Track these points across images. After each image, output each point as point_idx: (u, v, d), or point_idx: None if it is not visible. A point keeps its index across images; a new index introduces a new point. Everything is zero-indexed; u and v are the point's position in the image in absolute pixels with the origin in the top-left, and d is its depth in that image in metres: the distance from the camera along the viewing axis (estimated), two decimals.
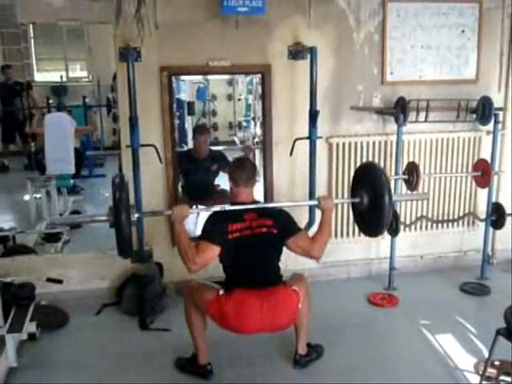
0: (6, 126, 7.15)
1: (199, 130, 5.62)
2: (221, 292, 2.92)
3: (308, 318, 3.20)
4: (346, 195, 4.33)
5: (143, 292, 3.83)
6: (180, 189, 4.64)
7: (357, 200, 2.96)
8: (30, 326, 3.38)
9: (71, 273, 4.02)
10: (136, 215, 2.77)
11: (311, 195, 3.98)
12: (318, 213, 3.96)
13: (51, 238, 4.82)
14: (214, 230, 2.92)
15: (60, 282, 3.69)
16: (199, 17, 3.85)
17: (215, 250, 2.88)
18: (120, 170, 4.17)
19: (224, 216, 2.94)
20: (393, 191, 2.99)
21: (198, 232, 3.11)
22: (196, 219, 4.26)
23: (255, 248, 2.94)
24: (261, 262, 2.97)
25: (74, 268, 4.08)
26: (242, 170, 3.07)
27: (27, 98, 6.71)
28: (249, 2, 3.58)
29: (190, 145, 5.99)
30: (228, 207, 2.99)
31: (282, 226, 3.00)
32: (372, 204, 2.87)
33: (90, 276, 4.11)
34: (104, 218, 2.60)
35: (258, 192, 3.40)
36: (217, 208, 2.99)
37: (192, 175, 5.02)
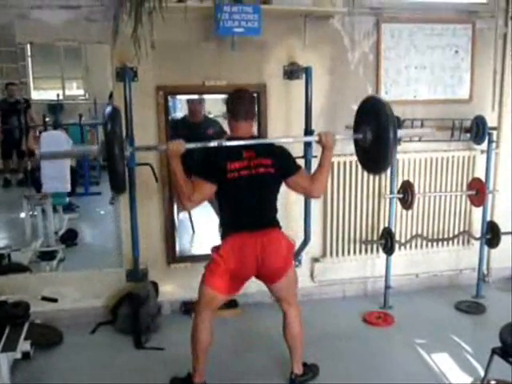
0: (5, 143, 7.17)
1: (192, 100, 5.18)
2: (220, 249, 2.92)
3: (301, 336, 3.19)
4: (341, 213, 4.36)
5: (138, 311, 3.81)
6: None
7: (360, 136, 2.92)
8: (24, 345, 3.35)
9: (66, 291, 4.01)
10: (130, 149, 2.70)
11: (306, 217, 4.01)
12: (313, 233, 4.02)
13: (46, 256, 4.80)
14: (211, 167, 2.86)
15: (55, 300, 3.68)
16: (195, 37, 3.89)
17: (212, 188, 2.85)
18: None
19: (222, 153, 2.88)
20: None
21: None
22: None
23: (252, 189, 2.90)
24: (258, 203, 2.95)
25: (69, 286, 4.07)
26: (241, 102, 2.98)
27: (25, 116, 6.73)
28: (244, 22, 3.61)
29: None
30: (225, 142, 2.92)
31: (281, 165, 2.95)
32: (376, 139, 2.82)
33: (84, 294, 4.09)
34: (96, 150, 2.52)
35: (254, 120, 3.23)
36: (214, 143, 2.89)
37: (188, 140, 4.89)
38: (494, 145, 4.36)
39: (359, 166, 4.24)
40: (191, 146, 2.85)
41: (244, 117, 2.96)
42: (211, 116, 5.26)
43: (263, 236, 2.90)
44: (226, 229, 2.98)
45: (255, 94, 4.16)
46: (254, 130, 3.11)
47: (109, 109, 2.54)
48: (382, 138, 2.79)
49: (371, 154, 2.93)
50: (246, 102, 2.99)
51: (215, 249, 2.97)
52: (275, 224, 3.02)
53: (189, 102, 5.03)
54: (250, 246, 2.87)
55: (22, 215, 5.28)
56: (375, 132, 2.84)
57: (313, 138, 3.15)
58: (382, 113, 2.79)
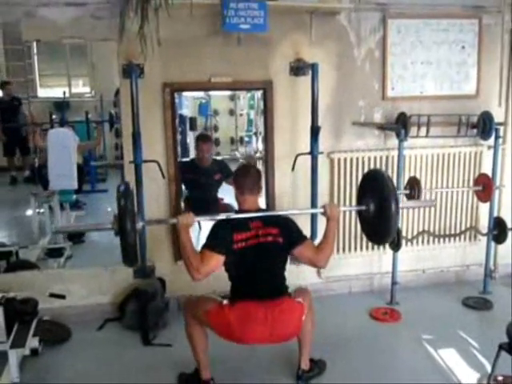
0: (7, 141, 7.21)
1: (202, 138, 5.43)
2: (225, 302, 2.91)
3: (311, 334, 3.20)
4: (347, 212, 4.35)
5: (145, 307, 3.83)
6: (182, 203, 4.64)
7: (363, 207, 2.94)
8: (33, 342, 3.39)
9: (74, 288, 4.03)
10: (141, 223, 2.75)
11: (313, 214, 4.00)
12: (320, 225, 4.01)
13: (54, 253, 4.83)
14: (218, 239, 2.89)
15: (63, 297, 3.71)
16: (202, 34, 3.89)
17: (220, 259, 2.86)
18: None
19: (229, 224, 2.92)
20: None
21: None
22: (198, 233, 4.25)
23: (261, 258, 2.92)
24: (266, 272, 2.96)
25: (77, 283, 4.09)
26: (248, 176, 3.04)
27: (17, 114, 6.82)
28: (250, 19, 3.62)
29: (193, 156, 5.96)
30: (233, 215, 2.98)
31: (287, 235, 2.98)
32: (378, 211, 2.84)
33: (92, 291, 4.11)
34: (109, 225, 2.58)
35: (260, 194, 3.37)
36: (222, 216, 2.95)
37: (195, 184, 4.99)
38: (500, 140, 4.35)
39: (365, 163, 4.30)
40: (200, 218, 2.98)
41: (250, 191, 3.02)
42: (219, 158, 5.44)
43: (274, 307, 2.89)
44: (235, 295, 2.97)
45: (261, 91, 4.19)
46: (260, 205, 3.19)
47: (122, 186, 2.62)
48: (384, 210, 2.80)
49: (374, 225, 2.94)
50: (252, 177, 3.06)
51: (224, 302, 2.94)
52: (285, 292, 3.03)
53: (198, 144, 5.13)
54: (260, 316, 2.85)
55: (30, 212, 5.31)
56: (378, 204, 2.86)
57: (318, 210, 3.20)
58: (384, 185, 2.82)
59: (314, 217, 3.98)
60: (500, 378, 3.07)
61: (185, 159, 5.69)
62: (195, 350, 3.10)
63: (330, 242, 3.03)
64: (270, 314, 2.85)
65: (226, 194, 4.94)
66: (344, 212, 4.31)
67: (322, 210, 3.03)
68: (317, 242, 3.23)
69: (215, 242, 2.89)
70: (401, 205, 3.02)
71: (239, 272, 2.96)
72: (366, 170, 4.31)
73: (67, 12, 3.73)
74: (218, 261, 2.86)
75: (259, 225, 2.94)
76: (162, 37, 3.60)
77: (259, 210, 3.09)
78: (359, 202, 3.03)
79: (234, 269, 2.96)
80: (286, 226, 3.03)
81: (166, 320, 3.97)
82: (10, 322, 3.30)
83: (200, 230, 5.27)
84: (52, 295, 3.66)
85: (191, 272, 2.81)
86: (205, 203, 5.01)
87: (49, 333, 3.68)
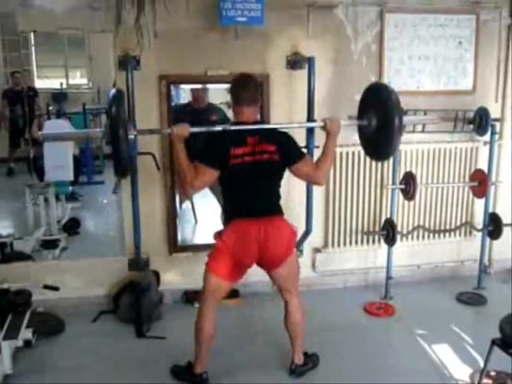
0: (13, 132, 7.19)
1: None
2: (222, 234, 2.92)
3: (303, 328, 3.20)
4: (343, 204, 4.36)
5: (140, 300, 3.83)
6: None
7: (364, 123, 2.90)
8: (26, 333, 3.37)
9: (68, 280, 4.03)
10: (134, 132, 2.68)
11: (308, 209, 4.02)
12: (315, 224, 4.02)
13: (49, 244, 4.82)
14: (214, 153, 2.85)
15: (56, 289, 3.70)
16: (198, 26, 3.87)
17: (214, 174, 2.84)
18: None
19: (225, 138, 2.87)
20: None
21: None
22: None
23: (256, 176, 2.90)
24: (261, 190, 2.95)
25: (71, 275, 4.09)
26: (246, 86, 2.95)
27: (32, 104, 6.74)
28: (247, 12, 3.61)
29: None
30: (230, 127, 2.92)
31: (285, 152, 2.92)
32: (381, 126, 2.80)
33: (86, 283, 4.11)
34: (100, 133, 2.51)
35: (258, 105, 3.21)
36: (218, 128, 2.89)
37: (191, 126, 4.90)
38: (496, 136, 4.35)
39: (362, 157, 4.29)
40: (196, 130, 2.86)
41: (248, 102, 2.93)
42: (216, 103, 5.25)
43: (266, 223, 2.90)
44: (229, 214, 2.98)
45: None
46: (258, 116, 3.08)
47: (113, 91, 2.53)
48: (387, 124, 2.77)
49: (375, 140, 2.92)
50: (250, 87, 2.96)
51: (218, 234, 2.97)
52: (278, 211, 3.02)
53: (193, 88, 5.01)
54: (253, 232, 2.87)
55: (25, 204, 5.30)
56: (381, 118, 2.82)
57: (318, 124, 3.14)
58: (388, 99, 2.78)
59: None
60: (493, 374, 3.09)
61: (180, 103, 5.57)
62: (200, 345, 3.07)
63: (329, 157, 2.99)
64: (262, 229, 2.86)
65: None
66: (339, 205, 4.32)
67: (322, 124, 2.98)
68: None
69: (210, 156, 2.85)
70: (404, 119, 2.91)
71: (233, 188, 2.94)
72: (362, 164, 4.33)
73: (64, 2, 3.72)
74: (212, 175, 2.84)
75: (256, 140, 2.87)
76: (158, 29, 3.61)
77: (257, 122, 3.03)
78: (360, 116, 2.99)
79: (228, 185, 2.94)
80: (284, 142, 2.96)
81: (160, 313, 3.98)
82: (4, 314, 3.31)
83: (196, 223, 5.29)
84: (46, 287, 3.65)
85: (185, 185, 2.81)
86: None
87: (42, 324, 3.66)
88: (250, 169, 2.87)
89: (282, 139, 2.97)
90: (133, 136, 2.67)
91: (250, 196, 2.93)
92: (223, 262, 2.95)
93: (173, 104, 4.18)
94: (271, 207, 3.00)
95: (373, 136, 2.93)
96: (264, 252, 2.92)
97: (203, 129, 2.94)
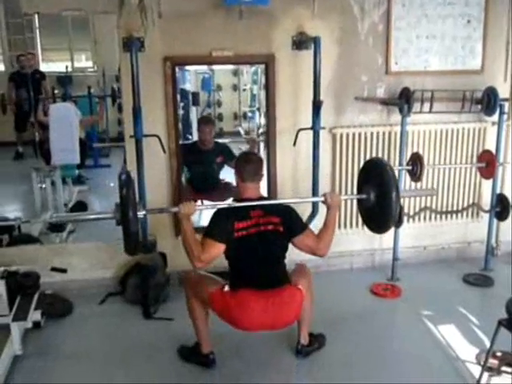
0: (19, 116, 7.18)
1: (204, 120, 5.63)
2: (226, 288, 2.91)
3: (310, 311, 3.21)
4: (349, 187, 4.34)
5: (147, 281, 3.86)
6: (184, 181, 4.66)
7: (364, 196, 2.92)
8: (35, 315, 3.42)
9: (76, 262, 4.06)
10: (143, 212, 2.73)
11: (315, 187, 4.00)
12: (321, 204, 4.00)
13: (56, 227, 4.84)
14: (219, 227, 2.89)
15: (64, 271, 3.73)
16: (203, 6, 3.85)
17: (220, 247, 2.87)
18: (125, 160, 4.20)
19: (230, 213, 2.92)
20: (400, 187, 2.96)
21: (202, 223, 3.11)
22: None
23: (261, 246, 2.93)
24: (267, 261, 2.96)
25: (79, 257, 4.11)
26: (249, 164, 3.03)
27: (39, 87, 6.72)
28: None
29: (195, 135, 5.99)
30: (234, 204, 2.98)
31: (288, 224, 2.98)
32: (379, 200, 2.82)
33: (94, 265, 4.14)
34: (110, 215, 2.56)
35: (261, 182, 3.37)
36: (223, 205, 2.98)
37: (197, 167, 5.04)
38: (505, 116, 4.29)
39: (368, 138, 4.27)
40: (202, 208, 3.02)
41: (252, 179, 3.01)
42: (220, 141, 5.44)
43: (274, 297, 2.88)
44: (236, 282, 2.94)
45: (263, 65, 4.15)
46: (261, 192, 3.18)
47: (123, 176, 2.58)
48: (385, 198, 2.76)
49: (374, 214, 2.91)
50: (253, 165, 3.04)
51: (220, 285, 2.95)
52: (285, 280, 3.00)
53: (200, 127, 5.19)
54: (260, 310, 2.85)
55: (32, 187, 5.32)
56: (378, 192, 2.83)
57: (319, 199, 3.19)
58: (385, 174, 2.78)
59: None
60: (499, 354, 3.09)
61: (187, 142, 5.79)
62: (196, 323, 3.13)
63: (331, 230, 3.02)
64: (270, 305, 2.86)
65: (228, 176, 4.94)
66: (346, 187, 4.32)
67: (322, 199, 3.02)
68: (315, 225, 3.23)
69: (216, 230, 2.89)
70: (402, 194, 2.96)
71: (240, 260, 2.96)
72: (368, 145, 4.30)
73: None
74: (218, 249, 2.87)
75: (260, 213, 2.94)
76: (162, 10, 3.58)
77: (260, 198, 3.09)
78: (359, 190, 3.01)
79: (235, 257, 2.95)
80: (287, 214, 3.02)
81: (167, 294, 3.99)
82: (13, 296, 3.34)
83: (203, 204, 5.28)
84: (54, 269, 3.68)
85: (192, 260, 2.82)
86: (206, 183, 5.07)
87: (51, 306, 3.71)
88: (255, 239, 2.91)
89: (285, 212, 3.02)
90: (142, 216, 2.70)
91: (256, 265, 2.94)
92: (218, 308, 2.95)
93: (180, 142, 4.24)
94: (278, 278, 2.98)
95: (372, 209, 2.91)
96: (273, 324, 2.94)
97: (209, 206, 3.12)
